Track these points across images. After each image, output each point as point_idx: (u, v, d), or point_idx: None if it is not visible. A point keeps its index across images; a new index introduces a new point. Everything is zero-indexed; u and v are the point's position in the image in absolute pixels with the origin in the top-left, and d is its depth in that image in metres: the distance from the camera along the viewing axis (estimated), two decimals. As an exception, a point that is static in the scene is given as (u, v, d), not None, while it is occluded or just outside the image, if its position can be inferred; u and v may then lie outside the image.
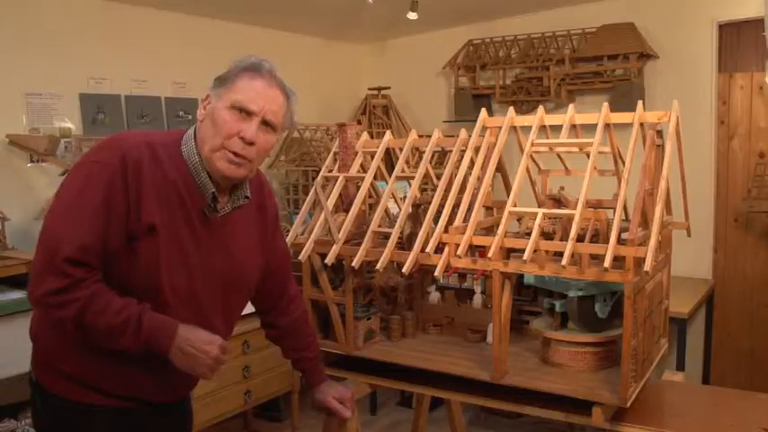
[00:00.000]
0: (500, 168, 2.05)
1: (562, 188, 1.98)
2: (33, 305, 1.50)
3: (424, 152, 2.06)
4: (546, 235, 1.81)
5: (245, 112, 1.52)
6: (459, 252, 1.75)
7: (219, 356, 1.51)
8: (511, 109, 1.97)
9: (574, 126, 1.93)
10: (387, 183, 2.05)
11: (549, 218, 1.85)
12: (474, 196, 1.85)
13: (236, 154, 1.52)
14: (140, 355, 1.49)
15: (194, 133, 1.58)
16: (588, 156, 1.77)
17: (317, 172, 2.61)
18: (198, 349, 1.49)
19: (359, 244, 1.94)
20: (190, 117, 4.06)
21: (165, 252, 1.50)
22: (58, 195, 1.51)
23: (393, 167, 2.07)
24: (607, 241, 1.61)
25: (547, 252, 1.70)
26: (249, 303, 1.83)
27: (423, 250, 1.82)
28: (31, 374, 1.64)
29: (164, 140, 1.56)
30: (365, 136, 2.22)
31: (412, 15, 3.83)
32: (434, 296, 2.27)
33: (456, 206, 1.87)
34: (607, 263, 1.56)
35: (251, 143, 1.53)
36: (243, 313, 1.79)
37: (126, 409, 1.58)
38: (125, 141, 1.50)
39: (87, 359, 1.53)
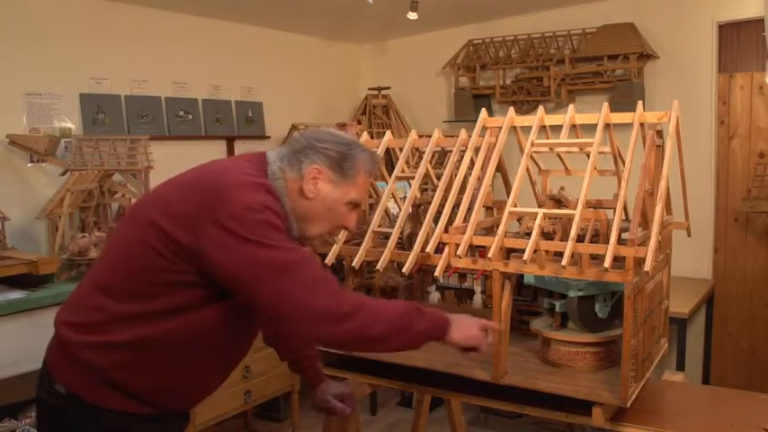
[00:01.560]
0: (500, 168, 2.04)
1: (562, 188, 1.98)
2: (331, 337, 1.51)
3: (423, 152, 2.06)
4: (546, 235, 1.81)
5: (355, 206, 1.66)
6: (459, 252, 1.75)
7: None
8: (511, 109, 1.97)
9: (574, 126, 1.93)
10: (387, 183, 2.05)
11: (550, 218, 1.85)
12: (474, 196, 1.85)
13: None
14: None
15: (282, 175, 1.59)
16: (588, 156, 1.77)
17: (317, 172, 2.61)
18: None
19: (359, 244, 1.94)
20: (190, 117, 4.07)
21: None
22: (263, 248, 1.44)
23: (393, 167, 2.07)
24: (607, 241, 1.61)
25: (547, 252, 1.69)
26: None
27: (423, 250, 1.82)
28: (57, 387, 1.55)
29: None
30: (365, 136, 2.22)
31: (412, 15, 3.83)
32: (434, 296, 2.27)
33: (456, 206, 1.87)
34: (607, 263, 1.55)
35: None
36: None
37: (156, 415, 1.57)
38: (266, 185, 1.54)
39: (139, 373, 1.52)
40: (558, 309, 1.89)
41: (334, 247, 1.95)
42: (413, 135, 2.14)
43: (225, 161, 1.68)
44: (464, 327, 1.65)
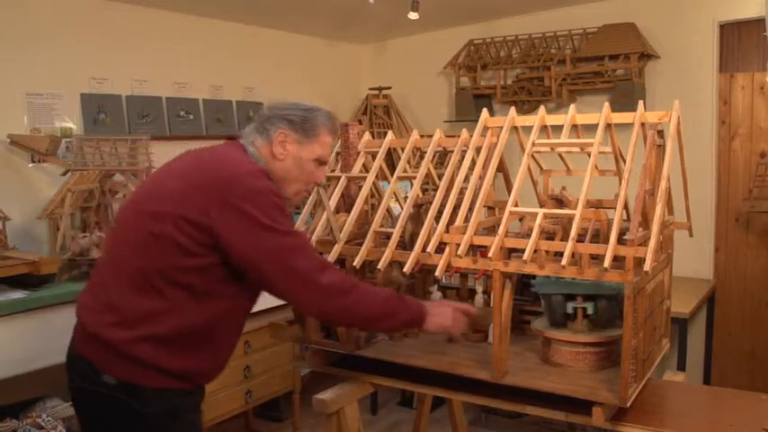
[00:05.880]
0: (501, 168, 2.05)
1: (564, 188, 1.98)
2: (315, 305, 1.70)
3: (425, 152, 2.06)
4: (548, 235, 1.81)
5: (321, 163, 1.85)
6: (459, 252, 1.75)
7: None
8: (512, 109, 1.97)
9: (575, 126, 1.94)
10: (389, 183, 2.06)
11: (551, 218, 1.85)
12: (475, 196, 1.85)
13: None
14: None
15: (257, 150, 1.78)
16: (589, 156, 1.77)
17: (318, 172, 2.61)
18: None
19: (361, 244, 1.94)
20: (191, 117, 4.07)
21: None
22: (266, 224, 1.62)
23: (394, 167, 2.08)
24: (608, 241, 1.61)
25: (547, 252, 1.70)
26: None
27: (424, 250, 1.82)
28: (106, 379, 1.65)
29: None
30: (367, 136, 2.23)
31: (413, 15, 3.82)
32: (436, 296, 2.26)
33: (457, 206, 1.87)
34: (606, 263, 1.56)
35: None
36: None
37: (191, 390, 1.74)
38: (263, 170, 1.72)
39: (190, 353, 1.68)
40: (589, 311, 1.87)
41: (336, 246, 1.96)
42: (415, 135, 2.14)
43: (213, 150, 1.80)
44: (439, 316, 1.85)
